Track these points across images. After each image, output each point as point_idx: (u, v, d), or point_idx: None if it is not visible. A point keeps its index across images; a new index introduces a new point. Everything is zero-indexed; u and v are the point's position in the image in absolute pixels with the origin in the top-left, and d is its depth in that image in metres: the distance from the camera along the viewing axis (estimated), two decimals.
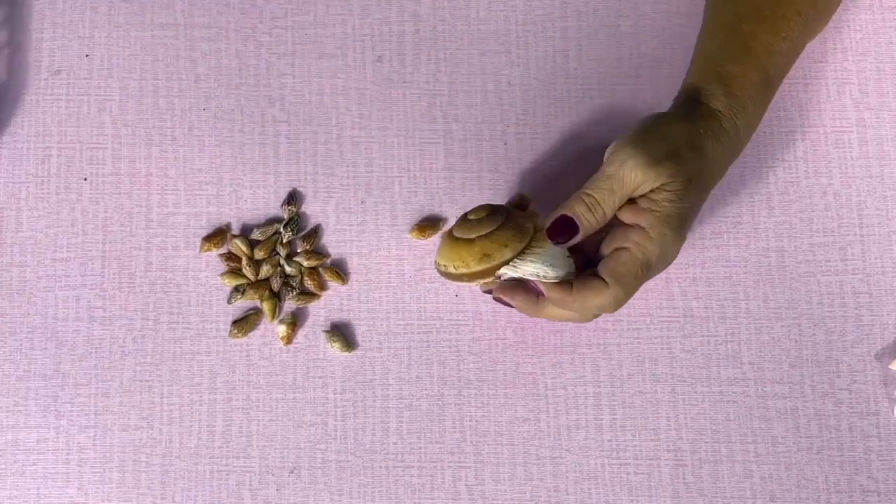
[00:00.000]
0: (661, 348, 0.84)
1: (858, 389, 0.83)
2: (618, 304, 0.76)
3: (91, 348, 0.84)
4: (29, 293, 0.85)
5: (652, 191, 0.76)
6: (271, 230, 0.86)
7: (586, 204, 0.76)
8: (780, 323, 0.84)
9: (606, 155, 0.77)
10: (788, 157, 0.87)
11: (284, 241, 0.85)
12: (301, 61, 0.89)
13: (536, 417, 0.83)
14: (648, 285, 0.84)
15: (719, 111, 0.79)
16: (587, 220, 0.76)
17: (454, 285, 0.85)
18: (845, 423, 0.83)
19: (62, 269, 0.85)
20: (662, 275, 0.84)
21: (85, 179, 0.87)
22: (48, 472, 0.82)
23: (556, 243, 0.76)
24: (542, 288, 0.77)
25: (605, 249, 0.77)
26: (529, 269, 0.77)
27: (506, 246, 0.77)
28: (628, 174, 0.75)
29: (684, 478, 0.82)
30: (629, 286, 0.76)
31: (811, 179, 0.87)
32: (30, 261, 0.85)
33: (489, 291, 0.80)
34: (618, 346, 0.84)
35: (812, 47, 0.88)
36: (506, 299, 0.78)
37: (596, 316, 0.79)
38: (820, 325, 0.84)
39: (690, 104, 0.79)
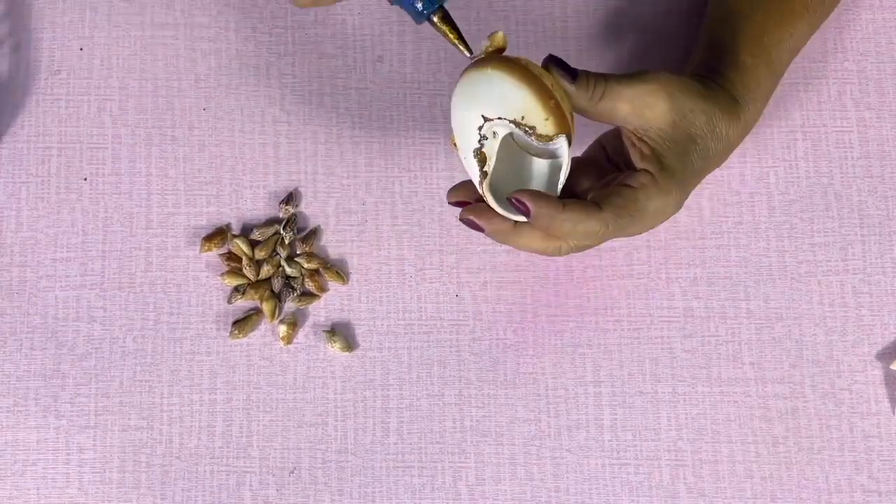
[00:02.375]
0: (662, 348, 0.84)
1: (859, 390, 0.83)
2: (604, 233, 0.72)
3: (91, 348, 0.84)
4: (29, 293, 0.85)
5: (659, 139, 0.74)
6: (271, 230, 0.86)
7: (592, 83, 0.73)
8: (781, 323, 0.84)
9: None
10: (788, 157, 0.87)
11: (286, 242, 0.85)
12: (301, 61, 0.89)
13: (537, 417, 0.83)
14: (649, 285, 0.84)
15: (736, 98, 0.78)
16: (591, 75, 0.73)
17: (455, 284, 0.85)
18: (846, 423, 0.83)
19: (62, 269, 0.85)
20: (663, 274, 0.85)
21: (85, 179, 0.87)
22: (48, 472, 0.82)
23: (547, 64, 0.72)
24: (529, 203, 0.70)
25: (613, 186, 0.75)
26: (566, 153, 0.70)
27: (554, 97, 0.70)
28: (651, 90, 0.74)
29: (685, 478, 0.82)
30: (621, 219, 0.73)
31: (811, 179, 0.87)
32: (30, 261, 0.85)
33: (465, 219, 0.74)
34: (618, 346, 0.84)
35: (812, 47, 0.88)
36: (477, 222, 0.73)
37: (571, 249, 0.75)
38: (820, 325, 0.84)
39: (714, 86, 0.78)
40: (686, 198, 0.76)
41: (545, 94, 0.69)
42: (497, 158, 0.71)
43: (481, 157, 0.71)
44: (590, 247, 0.76)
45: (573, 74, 0.72)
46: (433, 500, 0.82)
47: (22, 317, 0.84)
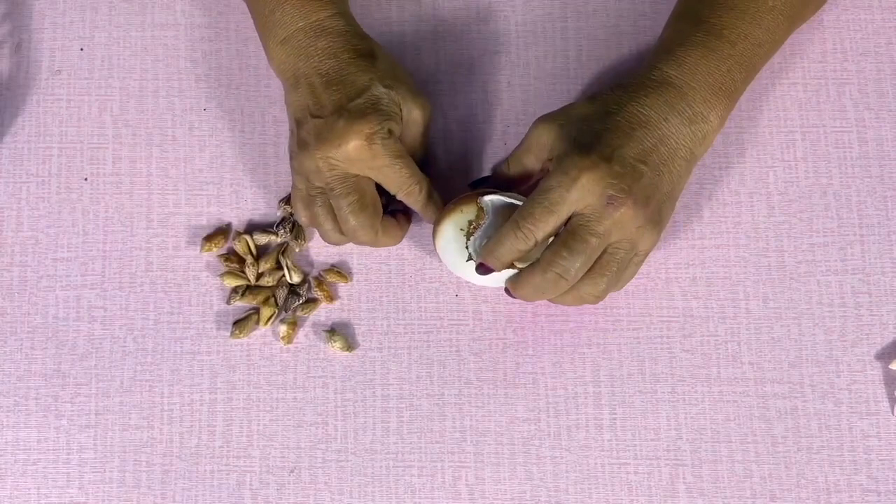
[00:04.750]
0: (661, 348, 0.84)
1: (858, 389, 0.83)
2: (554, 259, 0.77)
3: (91, 348, 0.84)
4: (30, 293, 0.85)
5: (556, 144, 0.78)
6: (274, 241, 0.85)
7: (506, 162, 0.83)
8: (780, 323, 0.84)
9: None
10: (788, 157, 0.87)
11: (282, 246, 0.85)
12: None
13: (536, 417, 0.83)
14: (648, 285, 0.84)
15: (639, 67, 0.81)
16: (501, 171, 0.83)
17: (455, 284, 0.85)
18: (845, 422, 0.83)
19: (63, 269, 0.85)
20: (662, 274, 0.85)
21: (85, 179, 0.87)
22: (49, 471, 0.82)
23: (470, 186, 0.84)
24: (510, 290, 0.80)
25: None
26: (495, 197, 0.79)
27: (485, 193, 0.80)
28: (531, 130, 0.80)
29: (684, 478, 0.82)
30: (544, 214, 0.76)
31: (811, 179, 0.87)
32: (30, 260, 0.85)
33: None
34: (618, 346, 0.84)
35: (812, 47, 0.89)
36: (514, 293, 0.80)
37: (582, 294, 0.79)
38: (820, 325, 0.84)
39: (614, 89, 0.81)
40: (601, 157, 0.76)
41: (451, 209, 0.80)
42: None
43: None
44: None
45: (489, 176, 0.85)
46: (433, 499, 0.82)
47: (22, 316, 0.85)
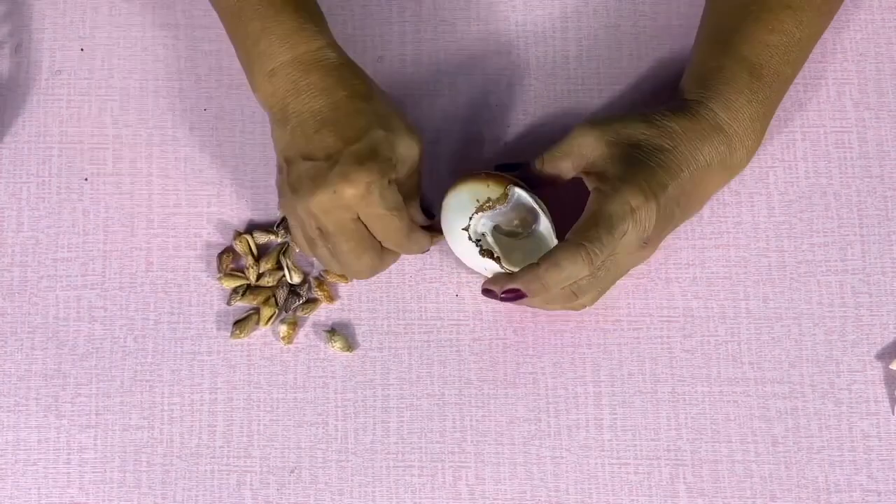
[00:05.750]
0: (661, 348, 0.84)
1: (859, 389, 0.83)
2: (587, 260, 0.75)
3: (92, 348, 0.84)
4: (30, 293, 0.85)
5: (601, 161, 0.78)
6: (274, 241, 0.85)
7: (540, 158, 0.81)
8: (780, 323, 0.84)
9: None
10: (788, 157, 0.87)
11: (283, 246, 0.85)
12: None
13: (537, 417, 0.83)
14: (649, 285, 0.85)
15: (691, 99, 0.80)
16: (537, 163, 0.81)
17: (454, 284, 0.85)
18: (845, 423, 0.83)
19: (63, 269, 0.85)
20: (663, 275, 0.85)
21: (86, 179, 0.87)
22: (49, 471, 0.82)
23: (496, 169, 0.82)
24: (511, 285, 0.77)
25: None
26: (524, 194, 0.79)
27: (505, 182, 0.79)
28: (575, 136, 0.80)
29: (684, 478, 0.82)
30: (590, 236, 0.75)
31: (811, 179, 0.87)
32: (31, 261, 0.85)
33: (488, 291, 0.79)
34: (618, 346, 0.84)
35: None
36: (493, 288, 0.78)
37: (590, 295, 0.79)
38: (820, 325, 0.84)
39: (670, 106, 0.81)
40: (653, 194, 0.76)
41: (479, 177, 0.80)
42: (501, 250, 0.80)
43: (488, 253, 0.79)
44: (604, 285, 0.79)
45: (519, 165, 0.83)
46: (433, 499, 0.82)
47: (23, 317, 0.85)
